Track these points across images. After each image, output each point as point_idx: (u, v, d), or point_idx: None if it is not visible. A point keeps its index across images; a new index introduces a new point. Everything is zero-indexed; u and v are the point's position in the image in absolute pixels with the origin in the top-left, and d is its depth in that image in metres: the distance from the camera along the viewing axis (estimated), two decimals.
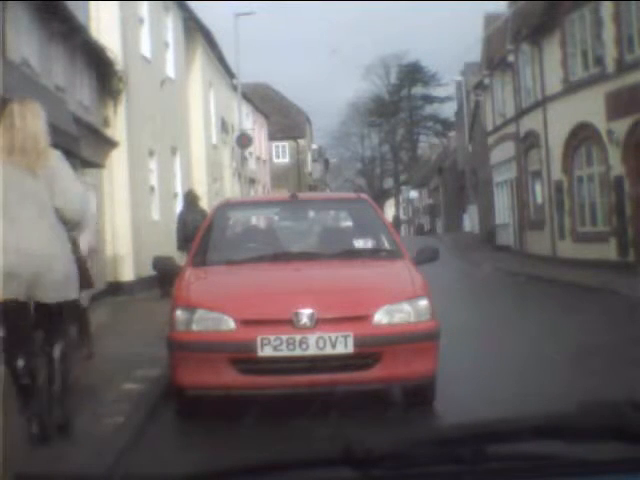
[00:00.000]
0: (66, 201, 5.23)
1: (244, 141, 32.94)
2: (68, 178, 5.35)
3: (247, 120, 38.22)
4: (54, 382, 5.23)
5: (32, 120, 5.28)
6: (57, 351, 5.25)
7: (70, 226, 5.41)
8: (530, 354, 8.67)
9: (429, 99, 72.54)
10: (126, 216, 16.23)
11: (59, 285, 5.20)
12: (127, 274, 16.25)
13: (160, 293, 12.83)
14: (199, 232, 7.64)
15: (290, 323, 5.78)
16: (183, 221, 13.57)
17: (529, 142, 24.95)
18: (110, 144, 15.88)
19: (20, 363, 5.07)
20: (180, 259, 9.91)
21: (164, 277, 8.85)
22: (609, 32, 18.54)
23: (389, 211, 72.79)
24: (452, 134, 57.12)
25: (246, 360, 5.81)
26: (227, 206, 8.49)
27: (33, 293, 5.13)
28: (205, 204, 20.18)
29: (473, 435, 1.35)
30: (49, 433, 5.08)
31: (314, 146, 61.62)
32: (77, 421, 5.52)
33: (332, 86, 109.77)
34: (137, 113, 17.29)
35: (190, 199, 14.24)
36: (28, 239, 5.07)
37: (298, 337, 5.71)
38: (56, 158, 5.35)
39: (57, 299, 5.19)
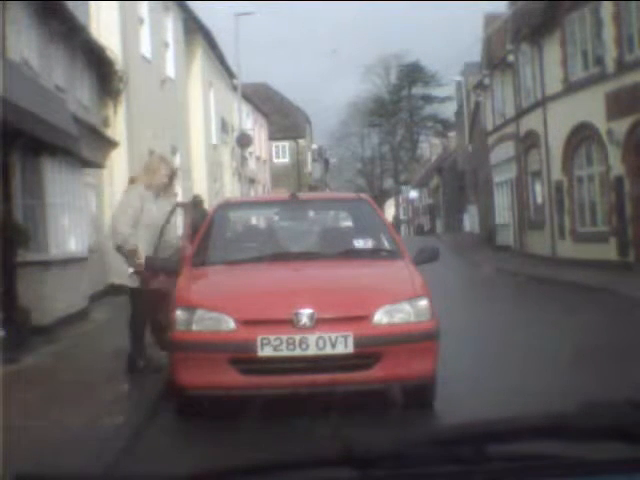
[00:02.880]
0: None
1: (244, 141, 32.96)
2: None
3: (247, 120, 38.22)
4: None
5: (166, 166, 8.09)
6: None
7: None
8: (530, 354, 8.67)
9: (429, 99, 72.52)
10: None
11: None
12: None
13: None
14: (199, 232, 7.63)
15: (290, 323, 5.77)
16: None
17: (529, 142, 24.94)
18: (110, 144, 15.88)
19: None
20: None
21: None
22: (609, 32, 18.53)
23: (389, 211, 72.73)
24: (452, 134, 57.09)
25: (246, 360, 5.81)
26: (227, 206, 8.48)
27: None
28: (205, 204, 20.22)
29: (473, 435, 1.35)
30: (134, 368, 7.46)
31: (314, 146, 61.60)
32: (77, 421, 5.51)
33: (332, 86, 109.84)
34: (137, 113, 17.29)
35: (197, 202, 16.37)
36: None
37: (298, 337, 5.71)
38: (175, 189, 8.49)
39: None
